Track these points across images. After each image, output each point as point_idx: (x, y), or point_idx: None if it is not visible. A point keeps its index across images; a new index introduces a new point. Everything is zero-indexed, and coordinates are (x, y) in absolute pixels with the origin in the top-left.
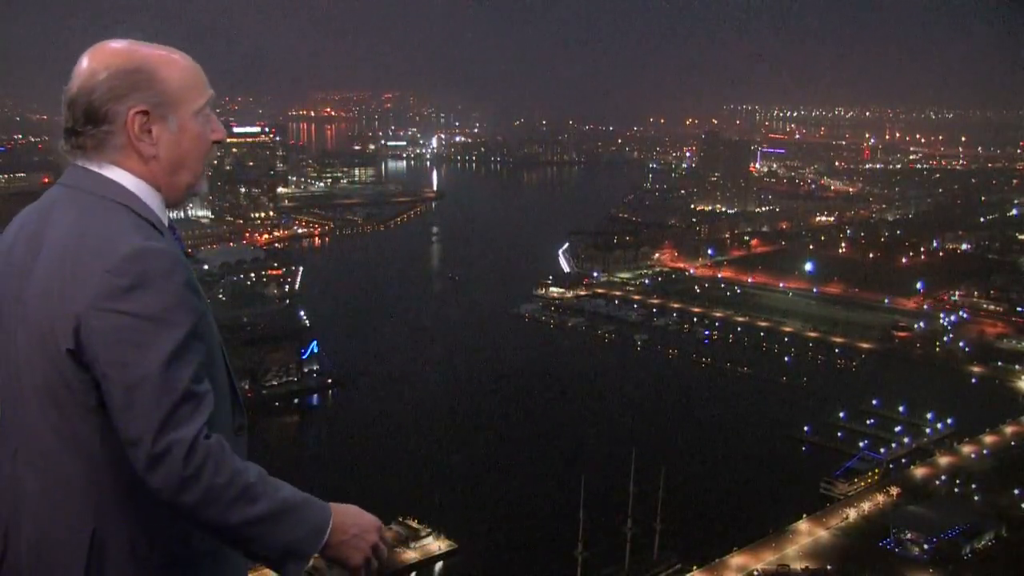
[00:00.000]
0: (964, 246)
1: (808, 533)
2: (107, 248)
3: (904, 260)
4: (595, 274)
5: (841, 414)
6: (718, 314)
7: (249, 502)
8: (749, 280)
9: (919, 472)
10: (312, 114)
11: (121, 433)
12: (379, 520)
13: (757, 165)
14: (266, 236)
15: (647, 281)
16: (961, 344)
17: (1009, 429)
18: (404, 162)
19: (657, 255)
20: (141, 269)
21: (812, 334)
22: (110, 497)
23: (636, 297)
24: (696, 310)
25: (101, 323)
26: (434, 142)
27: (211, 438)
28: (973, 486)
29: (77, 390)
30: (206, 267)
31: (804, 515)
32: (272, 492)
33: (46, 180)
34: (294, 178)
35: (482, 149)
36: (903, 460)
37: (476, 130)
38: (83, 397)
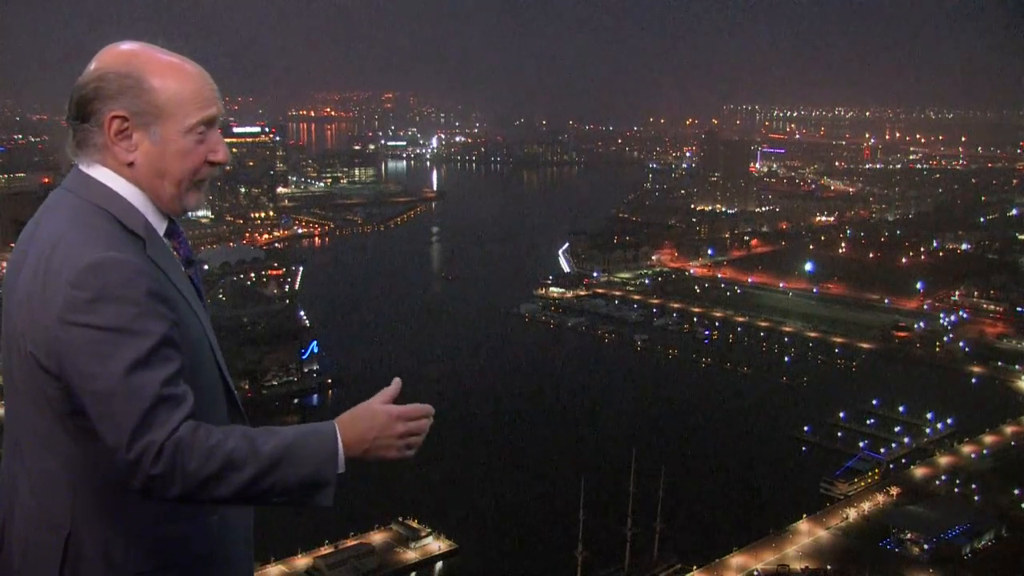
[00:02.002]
0: (964, 246)
1: (808, 533)
2: (73, 259)
3: (904, 260)
4: (595, 274)
5: (841, 414)
6: (718, 314)
7: (235, 470)
8: (749, 280)
9: (919, 472)
10: (312, 114)
11: (103, 441)
12: (393, 407)
13: (757, 165)
14: (266, 236)
15: (647, 281)
16: (961, 344)
17: (1009, 429)
18: (404, 162)
19: (657, 255)
20: (102, 282)
21: (812, 334)
22: (85, 501)
23: (636, 297)
24: (696, 310)
25: (67, 335)
26: (434, 142)
27: (178, 430)
28: (973, 486)
29: (51, 396)
30: (206, 267)
31: (804, 515)
32: (259, 448)
33: (46, 180)
34: (294, 178)
35: (482, 149)
36: (903, 460)
37: (476, 130)
38: (57, 403)
